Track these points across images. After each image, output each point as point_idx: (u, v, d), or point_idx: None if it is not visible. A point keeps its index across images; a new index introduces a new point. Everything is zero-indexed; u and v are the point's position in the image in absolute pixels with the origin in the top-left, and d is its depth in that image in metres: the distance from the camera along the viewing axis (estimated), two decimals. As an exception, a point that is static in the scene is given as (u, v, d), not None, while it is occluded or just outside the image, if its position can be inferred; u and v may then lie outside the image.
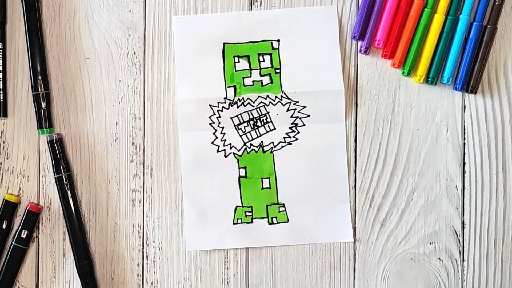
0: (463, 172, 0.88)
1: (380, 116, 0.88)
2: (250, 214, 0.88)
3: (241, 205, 0.88)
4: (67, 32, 0.88)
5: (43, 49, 0.87)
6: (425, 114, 0.88)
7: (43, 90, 0.86)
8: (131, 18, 0.88)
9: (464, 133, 0.88)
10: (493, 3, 0.86)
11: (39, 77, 0.86)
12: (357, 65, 0.88)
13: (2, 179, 0.88)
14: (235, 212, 0.88)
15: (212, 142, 0.88)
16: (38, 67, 0.86)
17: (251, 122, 0.88)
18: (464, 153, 0.88)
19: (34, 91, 0.86)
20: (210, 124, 0.87)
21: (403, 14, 0.86)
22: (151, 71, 0.88)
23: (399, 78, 0.88)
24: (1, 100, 0.87)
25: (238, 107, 0.88)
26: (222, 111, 0.88)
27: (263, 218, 0.88)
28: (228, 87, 0.88)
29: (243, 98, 0.88)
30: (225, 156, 0.88)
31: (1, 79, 0.87)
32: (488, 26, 0.86)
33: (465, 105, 0.88)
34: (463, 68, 0.87)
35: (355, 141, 0.88)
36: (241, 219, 0.88)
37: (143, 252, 0.88)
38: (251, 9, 0.88)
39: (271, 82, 0.87)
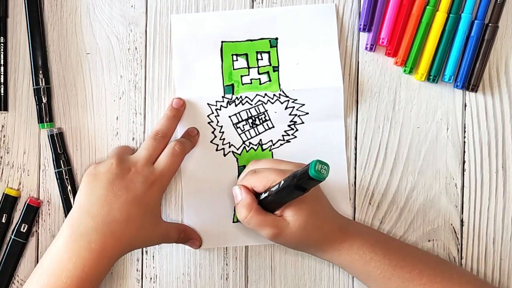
0: (463, 170, 0.88)
1: (380, 114, 0.88)
2: (249, 212, 0.88)
3: (240, 203, 0.88)
4: (69, 27, 0.88)
5: (44, 43, 0.87)
6: (426, 112, 0.88)
7: (44, 84, 0.87)
8: (133, 13, 0.88)
9: (464, 131, 0.88)
10: (494, 1, 0.86)
11: (40, 71, 0.86)
12: (358, 62, 0.88)
13: (2, 173, 0.88)
14: (234, 211, 0.88)
15: (211, 141, 0.87)
16: (39, 61, 0.87)
17: (250, 121, 0.88)
18: (464, 151, 0.88)
19: (35, 85, 0.87)
20: (208, 123, 0.87)
21: (405, 12, 0.86)
22: (152, 66, 0.88)
23: (400, 75, 0.88)
24: (2, 94, 0.87)
25: (236, 105, 0.87)
26: (220, 109, 0.87)
27: (263, 216, 0.88)
28: (226, 85, 0.87)
29: (241, 97, 0.87)
30: (224, 155, 0.88)
31: (2, 73, 0.87)
32: (490, 24, 0.86)
33: (465, 104, 0.88)
34: (464, 66, 0.86)
35: (356, 139, 0.88)
36: (240, 218, 0.88)
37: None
38: (253, 7, 0.87)
39: (269, 80, 0.87)
